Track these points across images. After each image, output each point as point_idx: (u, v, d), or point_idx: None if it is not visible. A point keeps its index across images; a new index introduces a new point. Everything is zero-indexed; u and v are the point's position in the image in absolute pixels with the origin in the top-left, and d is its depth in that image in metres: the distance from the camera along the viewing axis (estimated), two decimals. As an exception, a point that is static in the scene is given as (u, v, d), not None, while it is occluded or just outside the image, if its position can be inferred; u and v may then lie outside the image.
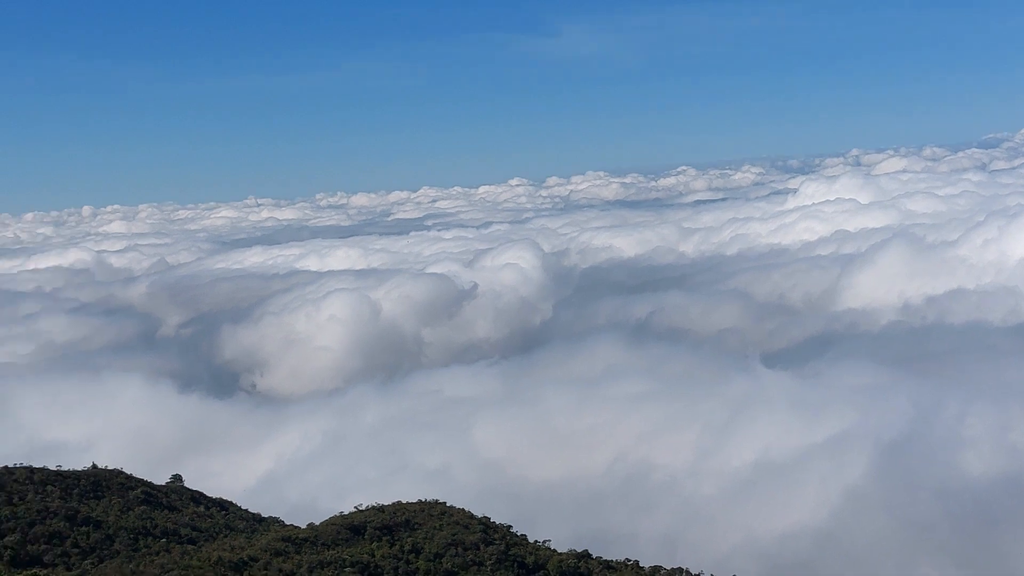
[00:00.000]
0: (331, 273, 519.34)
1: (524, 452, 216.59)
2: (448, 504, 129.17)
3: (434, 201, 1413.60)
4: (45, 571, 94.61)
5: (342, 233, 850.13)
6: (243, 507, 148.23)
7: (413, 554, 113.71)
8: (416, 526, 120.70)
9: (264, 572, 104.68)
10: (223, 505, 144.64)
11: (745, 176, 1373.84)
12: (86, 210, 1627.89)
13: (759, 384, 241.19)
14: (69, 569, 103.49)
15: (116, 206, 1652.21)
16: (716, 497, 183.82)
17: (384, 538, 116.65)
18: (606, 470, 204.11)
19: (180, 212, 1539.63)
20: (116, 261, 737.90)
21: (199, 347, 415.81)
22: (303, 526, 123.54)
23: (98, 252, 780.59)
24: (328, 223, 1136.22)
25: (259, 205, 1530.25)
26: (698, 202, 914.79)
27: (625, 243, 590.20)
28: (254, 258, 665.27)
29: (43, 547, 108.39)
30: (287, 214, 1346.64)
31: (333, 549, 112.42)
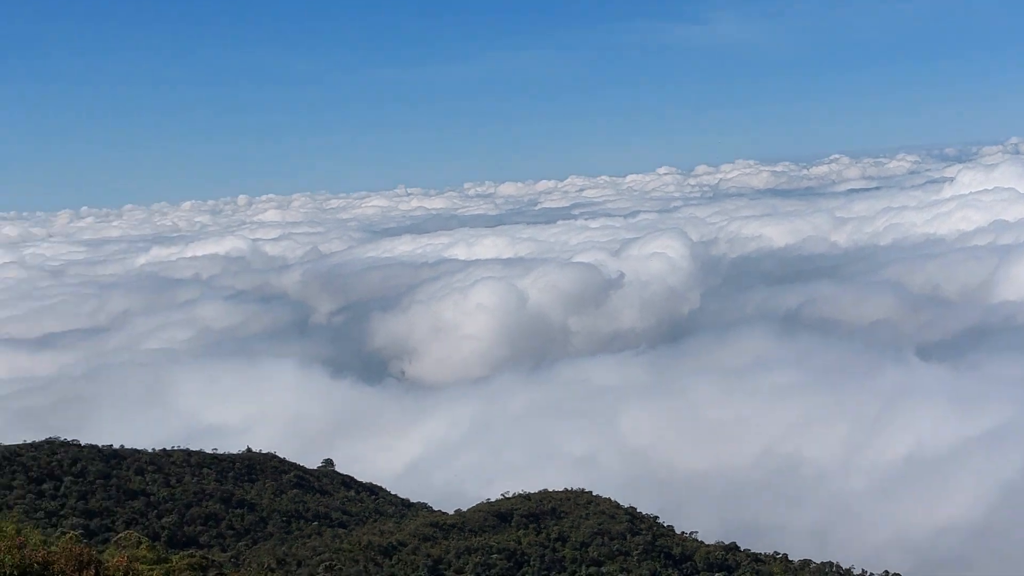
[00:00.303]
0: (478, 262, 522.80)
1: (670, 442, 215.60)
2: (594, 493, 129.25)
3: (581, 190, 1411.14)
4: (201, 552, 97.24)
5: (489, 222, 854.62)
6: (392, 492, 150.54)
7: (559, 542, 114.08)
8: (562, 514, 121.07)
9: (412, 557, 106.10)
10: (373, 490, 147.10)
11: (900, 164, 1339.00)
12: (242, 199, 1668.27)
13: (913, 377, 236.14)
14: (224, 550, 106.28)
15: (271, 195, 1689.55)
16: (867, 491, 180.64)
17: (530, 526, 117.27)
18: (754, 462, 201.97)
19: (332, 201, 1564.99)
20: (271, 249, 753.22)
21: (350, 334, 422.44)
22: (450, 512, 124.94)
23: (253, 240, 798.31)
24: (476, 212, 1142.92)
25: (409, 194, 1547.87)
26: (851, 191, 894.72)
27: (775, 232, 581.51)
28: (403, 247, 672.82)
29: (199, 528, 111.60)
30: (436, 203, 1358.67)
31: (480, 536, 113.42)
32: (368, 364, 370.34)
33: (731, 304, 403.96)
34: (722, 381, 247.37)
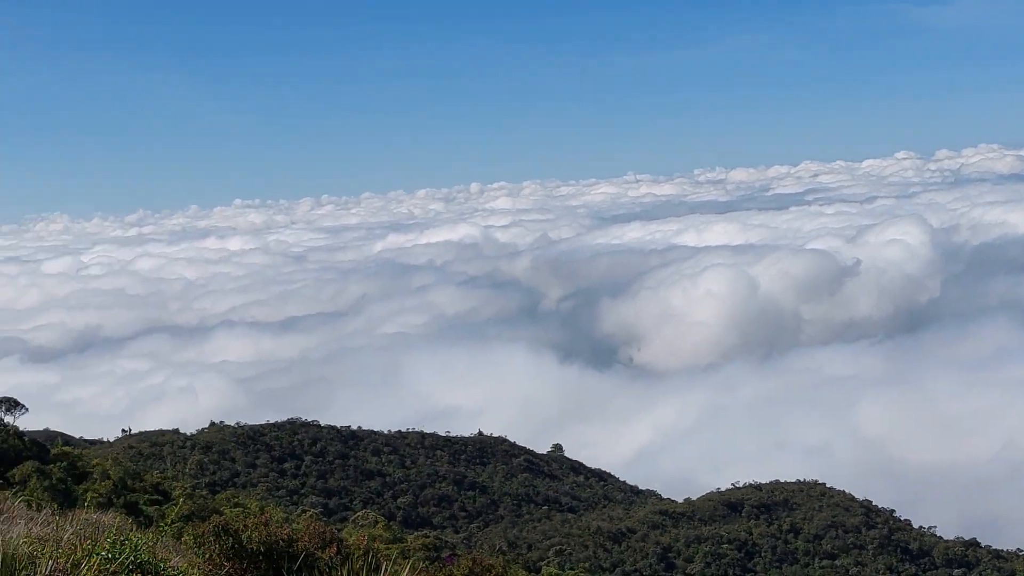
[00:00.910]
0: (708, 248, 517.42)
1: (907, 434, 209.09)
2: (828, 485, 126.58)
3: (815, 175, 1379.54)
4: (435, 532, 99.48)
5: (720, 208, 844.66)
6: (621, 479, 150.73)
7: (791, 534, 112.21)
8: (795, 506, 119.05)
9: (641, 544, 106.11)
10: (601, 476, 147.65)
11: None
12: (474, 187, 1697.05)
13: None
14: (456, 532, 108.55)
15: (502, 183, 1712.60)
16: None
17: (761, 516, 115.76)
18: (996, 455, 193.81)
19: (562, 188, 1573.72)
20: (502, 236, 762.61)
21: (579, 320, 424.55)
22: (679, 500, 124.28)
23: (485, 227, 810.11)
24: (706, 198, 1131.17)
25: (638, 181, 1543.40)
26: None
27: (1021, 219, 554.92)
28: (632, 233, 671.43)
29: (432, 509, 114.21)
30: (665, 189, 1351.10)
31: (710, 525, 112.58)
32: (597, 350, 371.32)
33: (973, 293, 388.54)
34: (962, 372, 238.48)
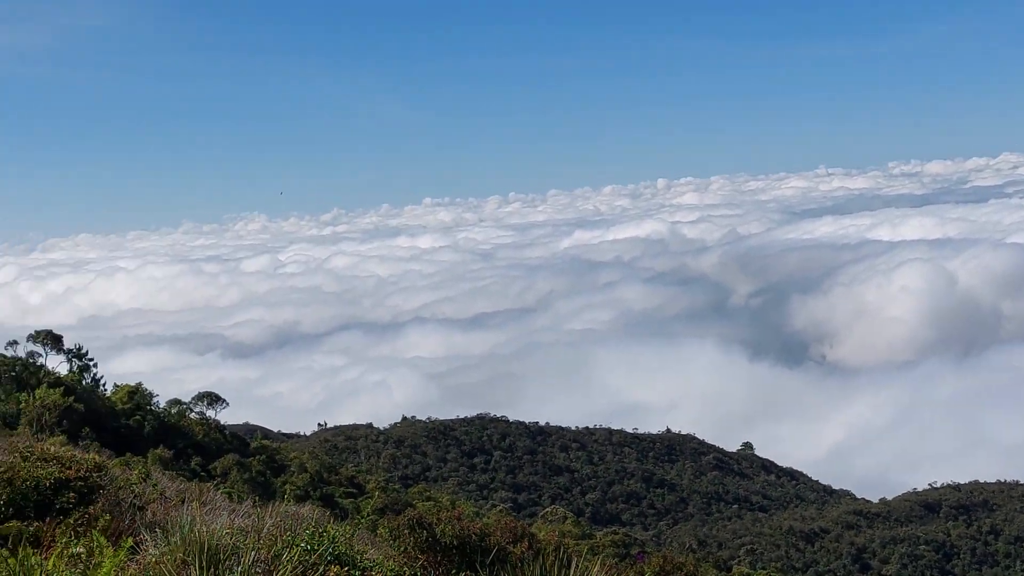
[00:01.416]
0: (904, 243, 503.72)
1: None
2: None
3: (1015, 167, 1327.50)
4: (624, 529, 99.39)
5: (915, 202, 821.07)
6: (813, 477, 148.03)
7: (991, 536, 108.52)
8: (995, 507, 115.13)
9: (835, 544, 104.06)
10: (793, 475, 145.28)
11: None
12: (661, 183, 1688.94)
13: None
14: (645, 529, 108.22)
15: (689, 178, 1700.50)
16: None
17: (960, 517, 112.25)
18: None
19: (750, 183, 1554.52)
20: (689, 232, 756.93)
21: (768, 316, 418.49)
22: (874, 500, 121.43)
23: (672, 223, 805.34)
24: (901, 192, 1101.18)
25: (829, 174, 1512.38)
26: None
27: None
28: (824, 228, 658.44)
29: (621, 506, 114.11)
30: (858, 183, 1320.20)
31: (906, 526, 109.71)
32: (787, 346, 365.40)
33: None
34: None
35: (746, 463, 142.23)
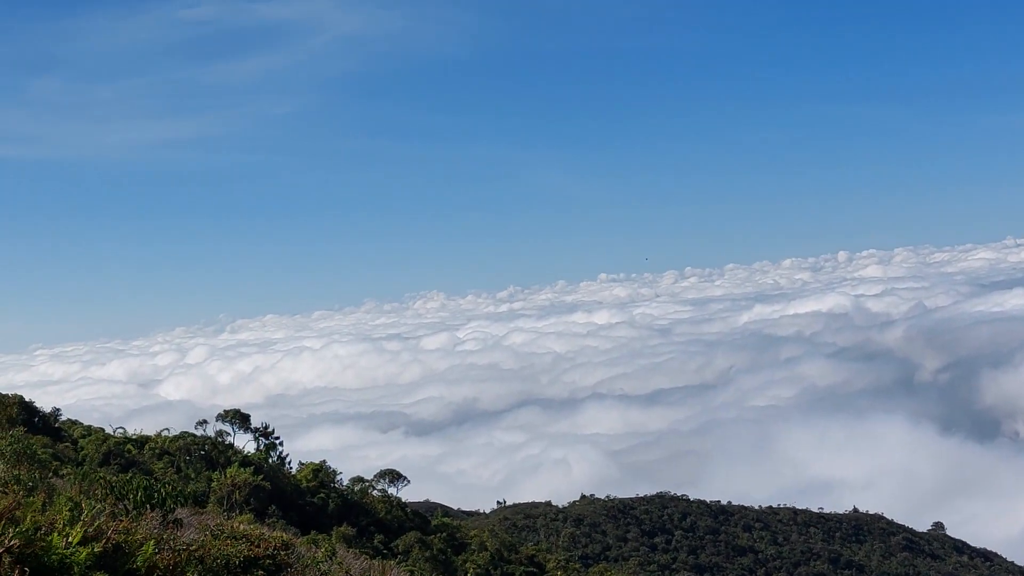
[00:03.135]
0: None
1: None
2: None
3: None
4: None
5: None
6: (1008, 558, 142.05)
7: None
8: None
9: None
10: (987, 556, 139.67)
11: None
12: (842, 255, 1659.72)
13: None
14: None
15: (872, 250, 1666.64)
16: None
17: None
18: None
19: (936, 255, 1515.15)
20: (873, 305, 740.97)
21: (958, 392, 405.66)
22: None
23: (855, 296, 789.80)
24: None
25: (1018, 245, 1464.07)
26: None
27: None
28: (1014, 300, 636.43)
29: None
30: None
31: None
32: (978, 422, 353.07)
33: None
34: None
35: (937, 543, 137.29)
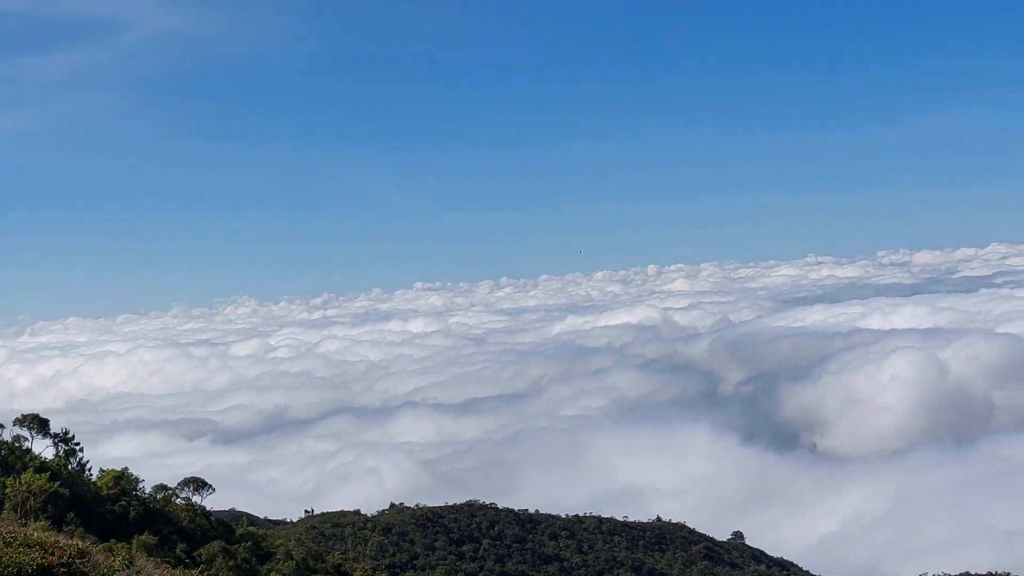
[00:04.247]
0: (894, 332, 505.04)
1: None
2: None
3: (1004, 258, 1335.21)
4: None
5: (905, 291, 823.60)
6: (803, 568, 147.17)
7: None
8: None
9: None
10: (784, 565, 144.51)
11: None
12: (651, 269, 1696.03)
13: None
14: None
15: (680, 264, 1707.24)
16: None
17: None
18: None
19: (740, 270, 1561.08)
20: (680, 318, 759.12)
21: (759, 404, 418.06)
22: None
23: (663, 309, 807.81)
24: (890, 281, 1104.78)
25: (819, 263, 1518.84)
26: None
27: None
28: (814, 316, 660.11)
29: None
30: (847, 272, 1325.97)
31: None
32: (778, 435, 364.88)
33: None
34: None
35: (736, 552, 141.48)
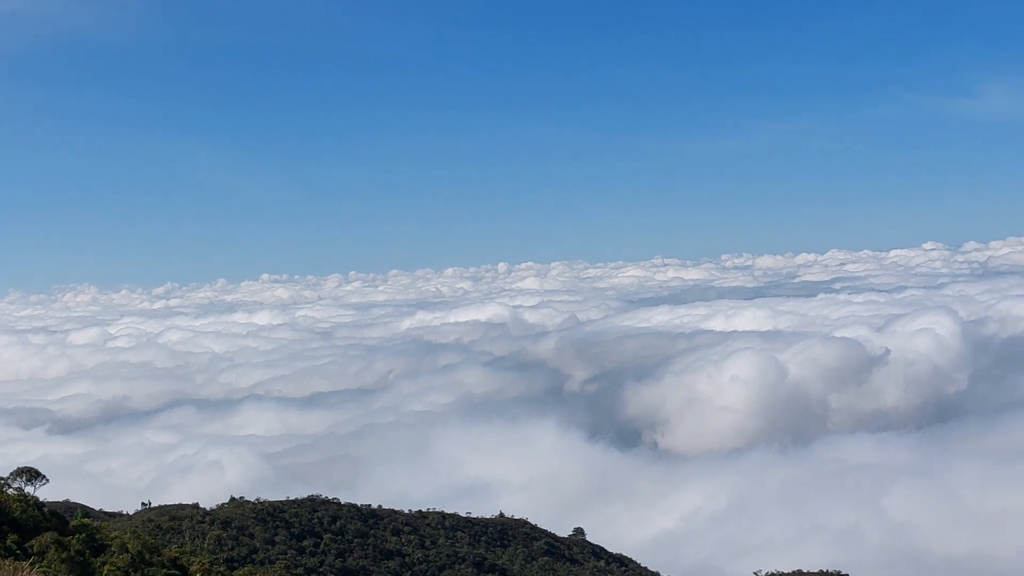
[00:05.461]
0: (736, 333, 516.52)
1: (932, 525, 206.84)
2: (850, 575, 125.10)
3: (842, 264, 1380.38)
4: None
5: (747, 295, 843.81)
6: (642, 564, 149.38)
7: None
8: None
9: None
10: (623, 561, 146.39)
11: None
12: (502, 266, 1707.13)
13: None
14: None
15: (530, 263, 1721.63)
16: None
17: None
18: (1022, 553, 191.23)
19: (590, 270, 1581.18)
20: (529, 316, 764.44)
21: (604, 403, 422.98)
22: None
23: (513, 307, 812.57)
24: (733, 284, 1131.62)
25: (665, 265, 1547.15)
26: None
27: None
28: (660, 317, 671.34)
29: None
30: (692, 274, 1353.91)
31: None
32: (621, 433, 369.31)
33: (1001, 386, 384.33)
34: (989, 466, 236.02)
35: (577, 548, 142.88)
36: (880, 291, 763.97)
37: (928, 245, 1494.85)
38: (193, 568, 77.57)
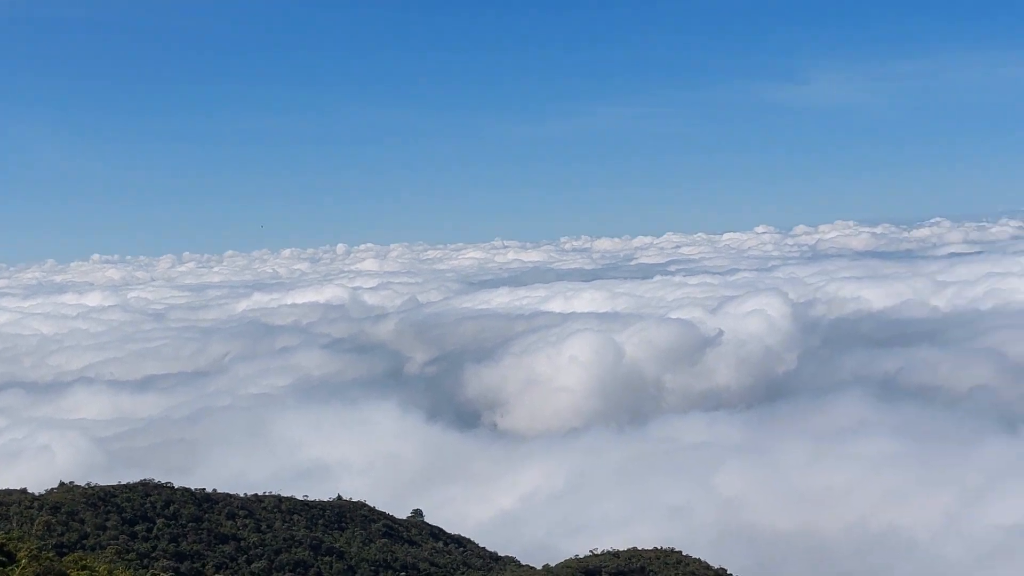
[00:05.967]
0: (575, 315, 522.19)
1: (762, 501, 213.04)
2: (684, 553, 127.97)
3: (678, 247, 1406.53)
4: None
5: (586, 276, 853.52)
6: (480, 544, 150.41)
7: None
8: (651, 573, 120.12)
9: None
10: (461, 542, 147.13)
11: (1003, 229, 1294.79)
12: (340, 247, 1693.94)
13: (1013, 447, 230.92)
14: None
15: (369, 244, 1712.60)
16: (967, 564, 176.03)
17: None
18: (847, 529, 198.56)
19: (430, 252, 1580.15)
20: (369, 298, 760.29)
21: (444, 385, 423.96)
22: (538, 567, 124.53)
23: (352, 289, 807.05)
24: (572, 266, 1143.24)
25: (505, 247, 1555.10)
26: (952, 255, 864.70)
27: (874, 295, 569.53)
28: (500, 299, 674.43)
29: (288, 575, 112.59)
30: (532, 256, 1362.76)
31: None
32: (461, 415, 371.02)
33: (828, 367, 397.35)
34: (817, 444, 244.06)
35: (416, 530, 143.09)
36: (714, 273, 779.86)
37: (760, 228, 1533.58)
38: (20, 555, 75.37)
